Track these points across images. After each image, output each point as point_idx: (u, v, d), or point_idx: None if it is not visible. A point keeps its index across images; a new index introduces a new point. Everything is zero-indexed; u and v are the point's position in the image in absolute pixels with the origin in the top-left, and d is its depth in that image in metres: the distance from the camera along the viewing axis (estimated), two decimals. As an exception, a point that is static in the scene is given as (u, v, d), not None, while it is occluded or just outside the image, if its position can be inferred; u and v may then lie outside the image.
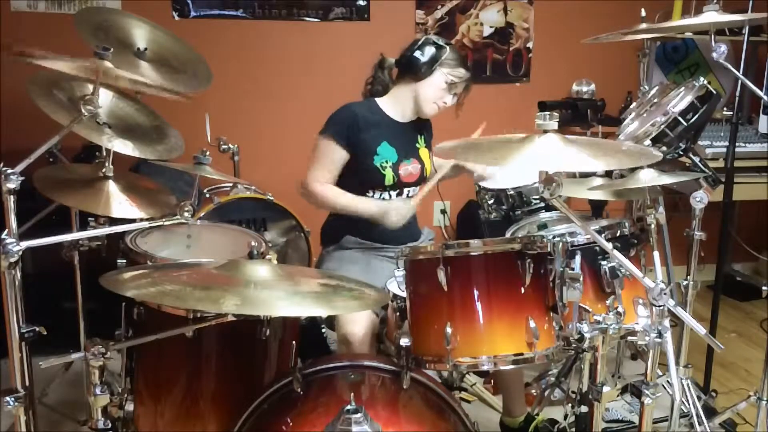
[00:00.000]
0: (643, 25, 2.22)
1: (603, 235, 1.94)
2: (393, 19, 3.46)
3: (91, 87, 1.56)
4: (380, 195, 2.26)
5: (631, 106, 2.45)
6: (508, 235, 2.21)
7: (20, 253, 1.37)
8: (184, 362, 1.68)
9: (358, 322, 1.99)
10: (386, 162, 2.23)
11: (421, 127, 2.37)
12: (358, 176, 2.22)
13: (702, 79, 2.06)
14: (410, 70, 2.23)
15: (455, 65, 2.23)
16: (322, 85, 3.42)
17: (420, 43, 2.23)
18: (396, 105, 2.30)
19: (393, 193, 2.27)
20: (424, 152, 2.35)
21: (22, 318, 1.43)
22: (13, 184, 1.39)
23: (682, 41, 3.81)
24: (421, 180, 2.33)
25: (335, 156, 2.21)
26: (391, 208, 2.18)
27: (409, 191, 2.31)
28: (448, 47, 2.23)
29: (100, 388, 1.39)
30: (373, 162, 2.22)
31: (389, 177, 2.23)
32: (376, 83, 2.36)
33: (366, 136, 2.21)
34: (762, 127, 3.31)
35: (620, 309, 1.46)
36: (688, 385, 2.19)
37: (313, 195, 2.22)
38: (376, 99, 2.32)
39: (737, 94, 2.62)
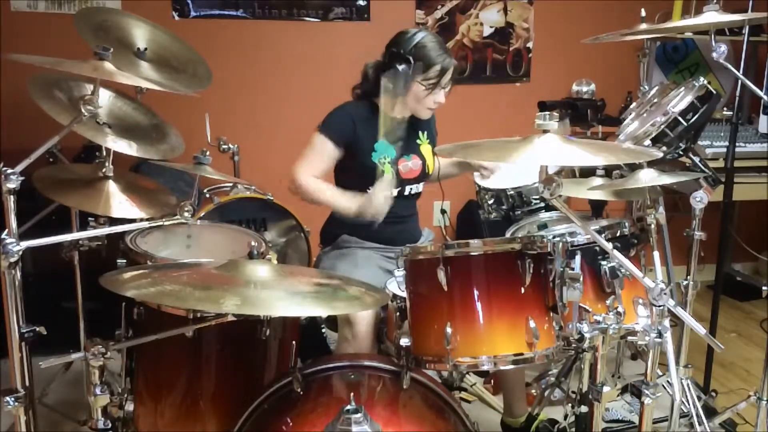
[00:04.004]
0: (643, 25, 2.22)
1: (603, 235, 1.94)
2: (393, 19, 3.45)
3: (90, 87, 1.56)
4: None
5: (631, 106, 2.45)
6: (508, 235, 2.21)
7: (20, 253, 1.37)
8: (184, 362, 1.68)
9: (359, 320, 1.99)
10: (385, 158, 2.22)
11: (421, 122, 2.35)
12: (358, 174, 2.21)
13: (702, 79, 2.06)
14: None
15: (429, 68, 2.13)
16: (322, 85, 3.41)
17: (387, 61, 2.17)
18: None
19: (394, 191, 2.26)
20: (426, 148, 2.34)
21: (22, 318, 1.43)
22: (13, 184, 1.39)
23: (682, 41, 3.81)
24: (423, 176, 2.31)
25: (327, 153, 2.20)
26: (368, 205, 2.09)
27: (411, 188, 2.29)
28: (411, 61, 2.12)
29: (100, 388, 1.39)
30: (371, 159, 2.21)
31: (388, 173, 2.22)
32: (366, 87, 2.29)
33: (363, 134, 2.20)
34: (762, 127, 3.31)
35: (620, 309, 1.46)
36: (688, 385, 2.19)
37: (298, 186, 2.19)
38: (374, 98, 2.28)
39: (737, 94, 2.62)
